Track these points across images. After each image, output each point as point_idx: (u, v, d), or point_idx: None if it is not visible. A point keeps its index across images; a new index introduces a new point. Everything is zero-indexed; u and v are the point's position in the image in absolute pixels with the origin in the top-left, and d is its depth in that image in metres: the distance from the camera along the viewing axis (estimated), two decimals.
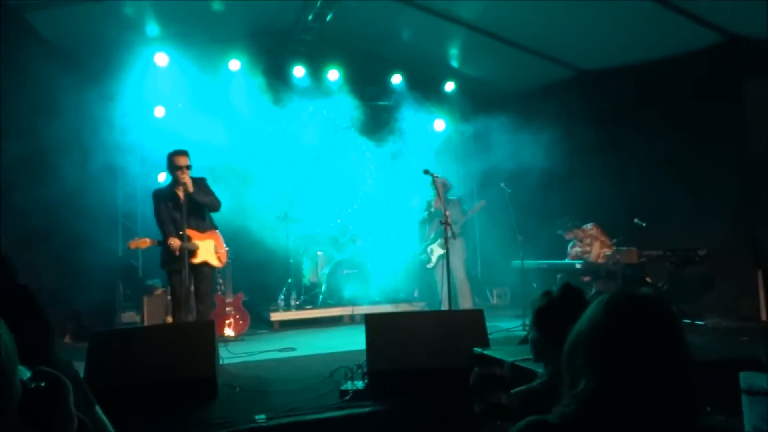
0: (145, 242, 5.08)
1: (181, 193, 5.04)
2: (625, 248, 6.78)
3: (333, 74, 8.90)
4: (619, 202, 7.30)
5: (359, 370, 4.13)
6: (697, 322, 6.22)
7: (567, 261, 7.28)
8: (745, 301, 6.61)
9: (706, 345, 5.17)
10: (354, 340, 5.58)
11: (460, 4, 7.49)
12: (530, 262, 7.04)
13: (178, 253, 4.95)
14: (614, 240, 6.88)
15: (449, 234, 5.31)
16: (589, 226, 7.27)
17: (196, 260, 5.10)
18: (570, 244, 7.45)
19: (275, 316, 7.47)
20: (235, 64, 8.36)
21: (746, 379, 1.75)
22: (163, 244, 5.05)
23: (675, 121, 7.14)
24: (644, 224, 6.85)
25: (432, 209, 7.49)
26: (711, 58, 6.80)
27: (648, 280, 6.72)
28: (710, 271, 6.62)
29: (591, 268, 6.92)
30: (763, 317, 6.46)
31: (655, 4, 6.27)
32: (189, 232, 5.04)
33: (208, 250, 5.22)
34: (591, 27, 7.24)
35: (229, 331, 6.60)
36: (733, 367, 2.61)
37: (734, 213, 6.72)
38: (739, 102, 6.90)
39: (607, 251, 6.96)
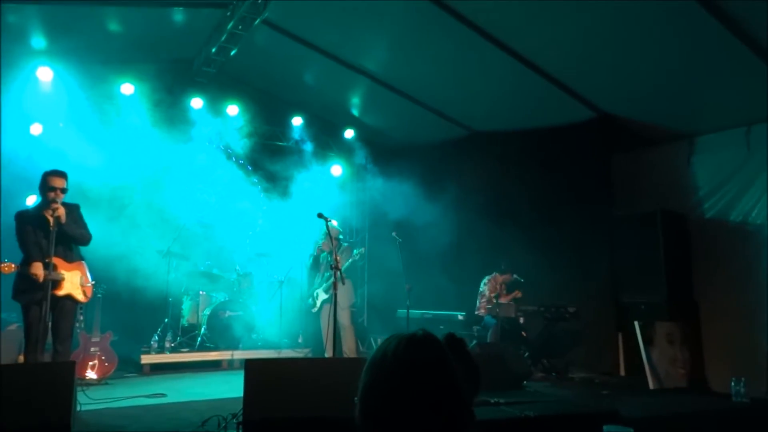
0: (9, 267, 4.50)
1: (50, 218, 4.59)
2: (504, 302, 7.13)
3: (232, 109, 8.72)
4: (500, 258, 7.67)
5: (234, 420, 3.91)
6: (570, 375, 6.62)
7: (449, 312, 7.50)
8: (607, 357, 7.13)
9: (573, 398, 5.50)
10: (232, 387, 5.30)
11: (365, 54, 7.73)
12: (415, 312, 7.17)
13: (41, 280, 4.47)
14: (495, 294, 7.23)
15: (338, 279, 5.28)
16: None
17: (60, 292, 4.61)
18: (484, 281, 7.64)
19: (146, 359, 6.93)
20: (128, 88, 7.95)
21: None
22: (24, 271, 4.55)
23: (552, 186, 7.72)
24: (522, 280, 7.27)
25: (318, 253, 7.39)
26: (585, 132, 7.48)
27: (523, 333, 7.08)
28: (578, 328, 7.11)
29: (472, 320, 7.18)
30: (622, 372, 7.00)
31: (540, 78, 6.85)
32: (55, 260, 4.58)
33: (73, 282, 4.76)
34: (482, 91, 7.74)
35: (91, 374, 6.02)
36: (598, 419, 2.77)
37: (601, 276, 7.30)
38: (608, 173, 7.64)
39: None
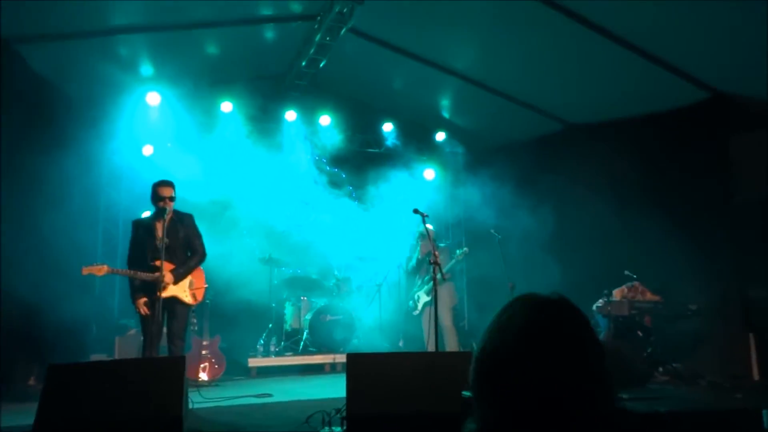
0: (102, 269, 4.71)
1: (160, 225, 4.86)
2: (617, 299, 6.66)
3: (325, 119, 8.94)
4: (609, 254, 7.19)
5: (338, 415, 3.88)
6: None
7: None
8: (736, 359, 6.43)
9: (706, 399, 4.98)
10: (335, 389, 5.30)
11: (453, 54, 7.61)
12: None
13: (152, 278, 4.73)
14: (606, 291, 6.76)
15: (437, 275, 5.15)
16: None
17: (165, 294, 4.81)
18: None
19: (253, 362, 7.15)
20: (227, 106, 8.37)
21: None
22: (134, 274, 4.82)
23: (664, 175, 7.15)
24: (635, 276, 6.76)
25: (419, 255, 7.28)
26: (698, 115, 6.89)
27: (639, 333, 6.55)
28: (701, 327, 6.47)
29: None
30: (756, 377, 6.28)
31: (643, 60, 6.39)
32: (164, 264, 4.80)
33: (180, 284, 4.99)
34: (579, 81, 7.36)
35: (203, 375, 6.28)
36: (740, 417, 2.43)
37: (724, 269, 6.62)
38: (725, 157, 6.97)
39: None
